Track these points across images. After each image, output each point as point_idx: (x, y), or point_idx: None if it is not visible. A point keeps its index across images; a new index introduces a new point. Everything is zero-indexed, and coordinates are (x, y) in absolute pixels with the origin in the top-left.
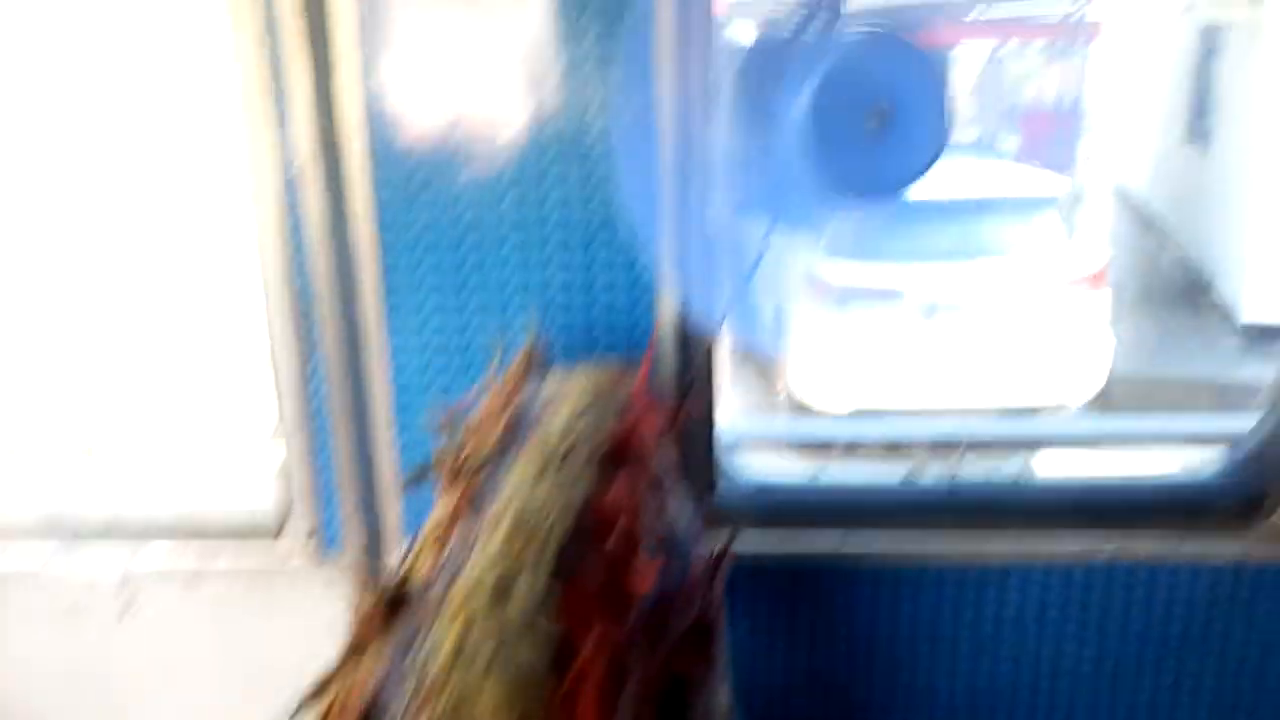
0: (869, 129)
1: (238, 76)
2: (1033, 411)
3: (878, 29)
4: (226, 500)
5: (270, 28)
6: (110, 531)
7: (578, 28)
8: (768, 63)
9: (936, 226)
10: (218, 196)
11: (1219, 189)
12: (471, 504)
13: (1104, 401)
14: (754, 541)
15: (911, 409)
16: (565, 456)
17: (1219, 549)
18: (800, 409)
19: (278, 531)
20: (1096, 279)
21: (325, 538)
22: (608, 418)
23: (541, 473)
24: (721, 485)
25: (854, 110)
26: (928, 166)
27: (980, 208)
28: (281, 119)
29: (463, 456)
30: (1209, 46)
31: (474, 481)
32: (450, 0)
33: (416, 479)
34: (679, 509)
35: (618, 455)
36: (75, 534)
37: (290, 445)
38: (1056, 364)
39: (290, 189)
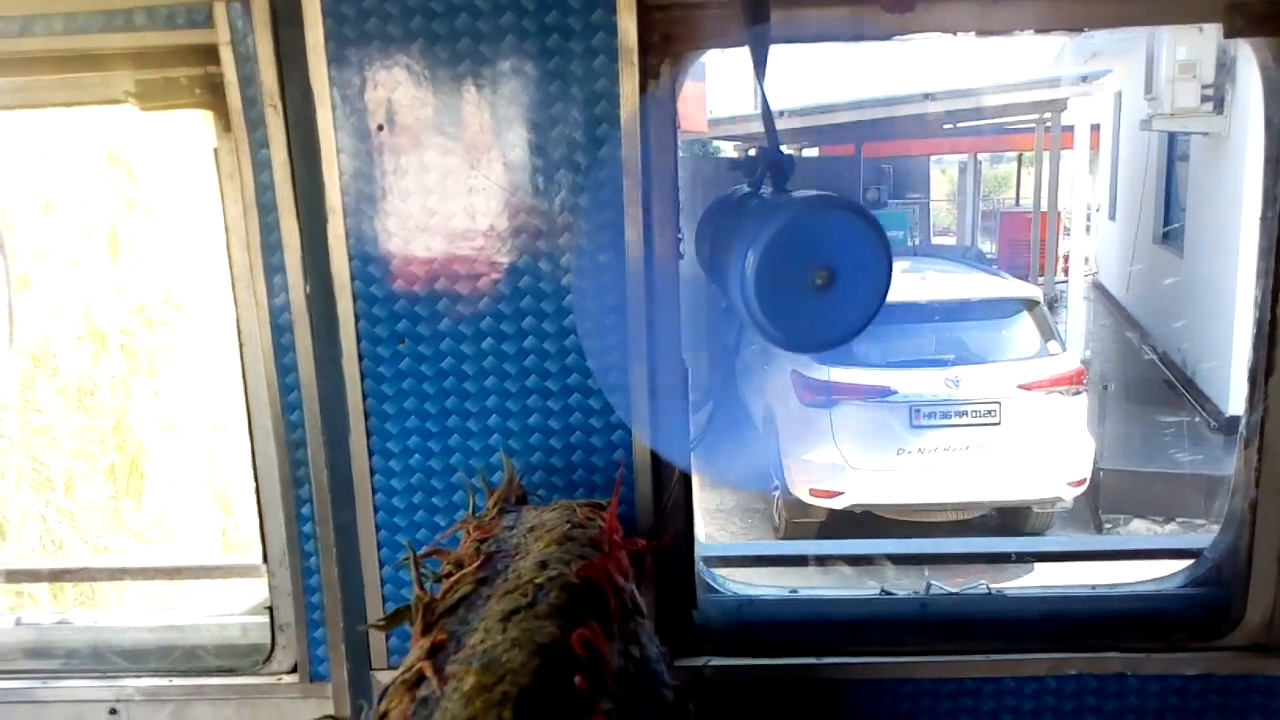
0: (814, 286)
1: (230, 237)
2: (1025, 506)
3: (825, 193)
4: (215, 630)
5: (261, 194)
6: (99, 659)
7: (552, 179)
8: (721, 221)
9: (918, 330)
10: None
11: (1194, 287)
12: (445, 647)
13: (1092, 497)
14: (733, 661)
15: (904, 505)
16: (536, 597)
17: (1186, 663)
18: (795, 507)
19: (265, 661)
20: (1074, 380)
21: (311, 669)
22: (579, 554)
23: (512, 614)
24: (701, 601)
25: (800, 269)
26: (867, 322)
27: (961, 311)
28: (274, 271)
29: (439, 596)
30: (1175, 153)
31: (447, 623)
32: (430, 157)
33: (392, 623)
34: (650, 642)
35: (588, 594)
36: (65, 660)
37: (276, 578)
38: (1039, 464)
39: (283, 333)
